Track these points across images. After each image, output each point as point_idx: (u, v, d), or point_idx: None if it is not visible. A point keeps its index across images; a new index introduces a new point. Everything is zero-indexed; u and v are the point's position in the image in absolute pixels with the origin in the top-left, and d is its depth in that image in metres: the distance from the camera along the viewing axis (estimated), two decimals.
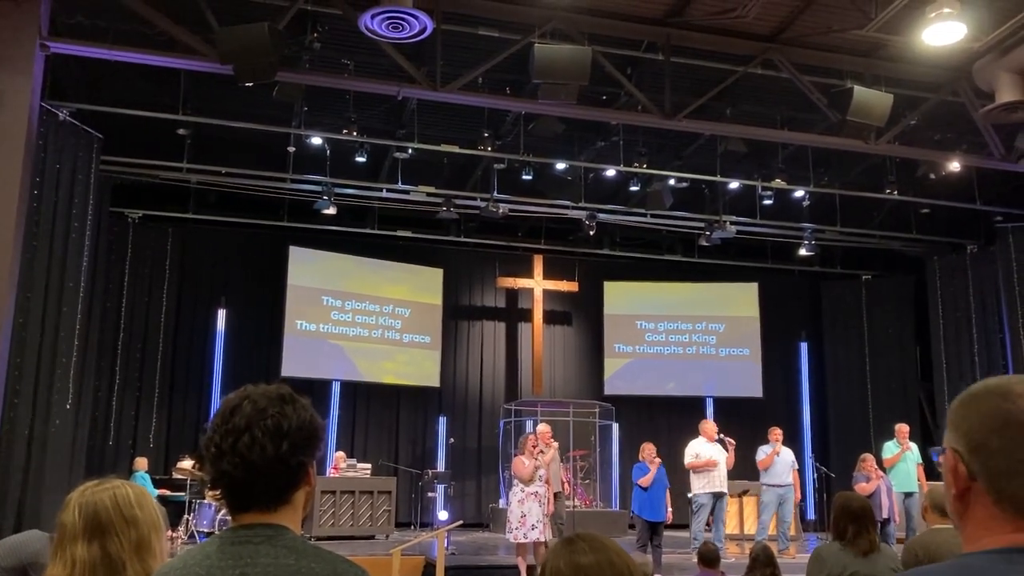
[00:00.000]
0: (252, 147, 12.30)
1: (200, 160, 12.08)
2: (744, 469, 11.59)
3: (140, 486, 2.09)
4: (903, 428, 10.70)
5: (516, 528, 8.67)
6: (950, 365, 14.34)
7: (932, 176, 12.06)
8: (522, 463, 8.87)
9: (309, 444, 1.55)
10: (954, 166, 11.27)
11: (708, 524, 10.29)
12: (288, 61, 8.88)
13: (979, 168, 11.74)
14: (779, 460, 10.44)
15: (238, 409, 1.52)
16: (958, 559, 1.17)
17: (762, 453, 10.44)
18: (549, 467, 9.61)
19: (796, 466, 10.68)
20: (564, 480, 10.28)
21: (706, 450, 10.20)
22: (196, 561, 1.49)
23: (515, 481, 8.94)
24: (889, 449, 10.49)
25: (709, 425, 10.48)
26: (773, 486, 10.41)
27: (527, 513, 8.63)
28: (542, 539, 8.66)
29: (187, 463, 11.65)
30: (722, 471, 10.09)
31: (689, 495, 10.60)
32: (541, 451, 9.20)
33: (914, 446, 10.77)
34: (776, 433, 10.57)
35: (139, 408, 13.37)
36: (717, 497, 10.04)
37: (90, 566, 1.92)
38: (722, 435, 10.26)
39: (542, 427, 10.12)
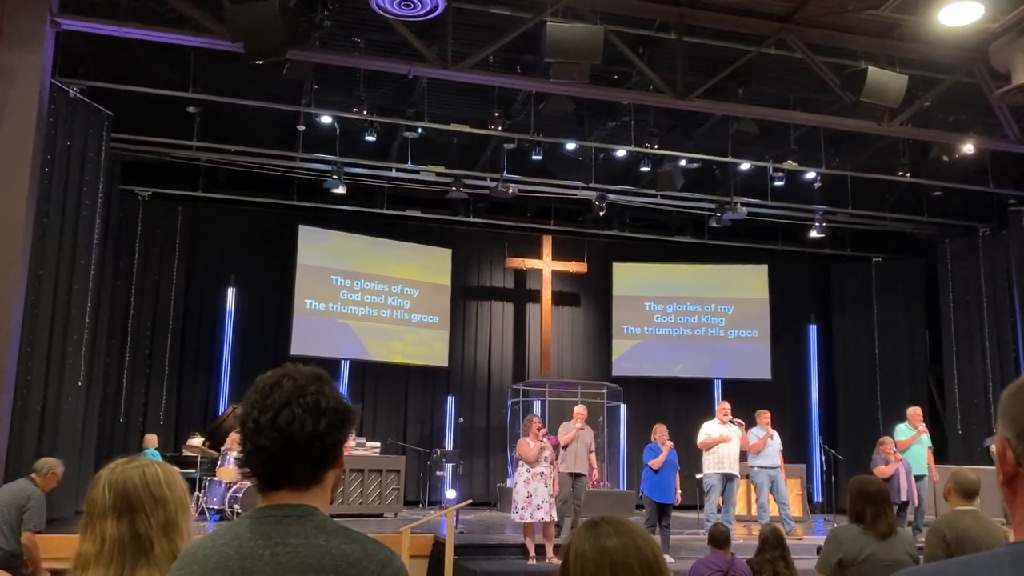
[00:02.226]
0: (262, 125, 12.28)
1: (210, 138, 12.09)
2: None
3: (170, 466, 2.10)
4: (917, 411, 10.64)
5: (522, 508, 8.71)
6: (960, 349, 14.28)
7: (945, 158, 11.96)
8: (527, 444, 8.89)
9: (344, 424, 1.55)
10: (968, 148, 11.17)
11: (718, 506, 10.30)
12: (298, 39, 8.85)
13: (993, 150, 11.65)
14: (770, 442, 10.47)
15: (277, 386, 1.52)
16: (1011, 547, 1.15)
17: (753, 437, 10.44)
18: (572, 446, 9.63)
19: (781, 447, 10.69)
20: (592, 466, 10.25)
21: (718, 431, 10.21)
22: (225, 541, 1.49)
23: (521, 462, 8.98)
24: (903, 431, 10.43)
25: (722, 406, 10.49)
26: (765, 468, 10.43)
27: (532, 493, 8.67)
28: (548, 519, 8.70)
29: (197, 440, 11.72)
30: (733, 453, 10.08)
31: (698, 476, 10.61)
32: (546, 433, 9.24)
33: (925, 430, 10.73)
34: (765, 416, 10.56)
35: (149, 386, 13.44)
36: (727, 479, 10.03)
37: (119, 543, 1.92)
38: (731, 418, 10.25)
39: (579, 408, 10.12)
